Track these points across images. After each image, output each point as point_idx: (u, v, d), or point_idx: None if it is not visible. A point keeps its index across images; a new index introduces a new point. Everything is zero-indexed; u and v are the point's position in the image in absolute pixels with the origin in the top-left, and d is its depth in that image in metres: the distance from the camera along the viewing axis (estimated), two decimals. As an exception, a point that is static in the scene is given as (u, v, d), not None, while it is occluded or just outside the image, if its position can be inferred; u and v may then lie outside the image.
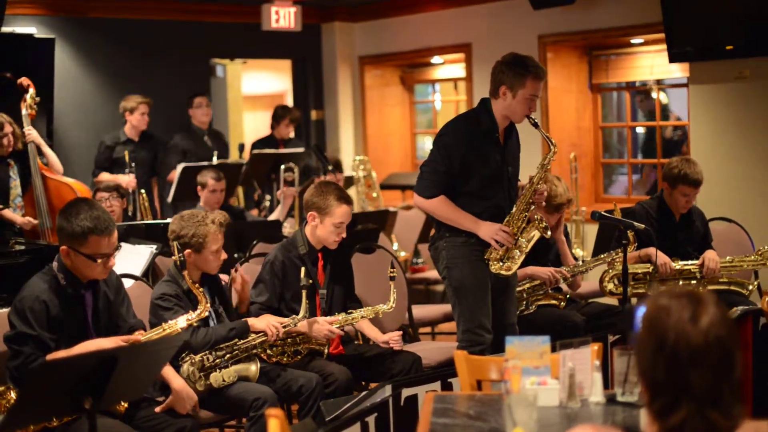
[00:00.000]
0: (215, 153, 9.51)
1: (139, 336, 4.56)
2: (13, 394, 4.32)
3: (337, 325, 5.45)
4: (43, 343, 4.29)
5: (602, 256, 6.31)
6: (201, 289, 4.88)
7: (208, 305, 4.84)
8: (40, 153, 7.32)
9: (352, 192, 10.75)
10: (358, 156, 10.78)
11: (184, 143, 9.65)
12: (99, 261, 4.38)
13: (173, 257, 5.00)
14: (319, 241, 5.62)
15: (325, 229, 5.55)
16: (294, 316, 5.22)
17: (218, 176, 8.06)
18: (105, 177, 8.81)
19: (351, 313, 5.57)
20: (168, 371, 4.69)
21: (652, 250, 6.20)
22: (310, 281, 5.23)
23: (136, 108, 9.12)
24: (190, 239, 5.05)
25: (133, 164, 8.67)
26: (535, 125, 5.49)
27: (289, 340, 5.44)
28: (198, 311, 4.79)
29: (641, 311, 2.38)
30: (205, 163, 9.03)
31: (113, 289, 4.65)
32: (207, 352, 4.91)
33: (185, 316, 4.77)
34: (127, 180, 8.50)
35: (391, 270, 5.61)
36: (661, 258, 6.28)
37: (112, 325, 4.59)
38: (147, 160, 9.28)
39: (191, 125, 9.85)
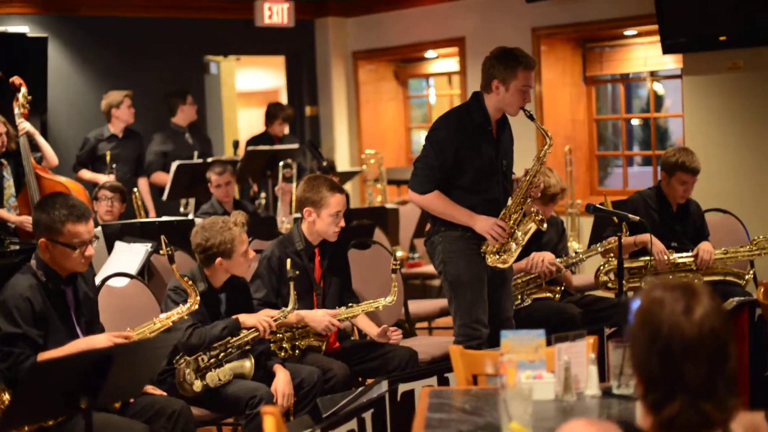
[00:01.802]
0: (195, 153, 9.47)
1: (130, 332, 4.56)
2: (6, 395, 4.31)
3: (339, 318, 5.45)
4: (32, 340, 4.31)
5: (595, 245, 6.30)
6: (190, 283, 4.87)
7: (198, 298, 4.82)
8: (34, 149, 7.29)
9: (355, 185, 10.75)
10: (369, 150, 10.78)
11: (164, 146, 9.61)
12: (77, 249, 4.41)
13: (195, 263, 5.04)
14: (317, 236, 5.62)
15: (323, 221, 5.55)
16: (283, 308, 5.21)
17: (221, 170, 8.07)
18: (85, 175, 8.74)
19: (352, 306, 5.57)
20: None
21: (647, 237, 6.19)
22: (297, 272, 5.23)
23: (122, 101, 9.01)
24: (219, 247, 5.05)
25: (114, 165, 8.60)
26: (531, 117, 5.49)
27: (287, 335, 5.44)
28: (187, 305, 4.78)
29: (635, 304, 2.37)
30: (199, 161, 9.03)
31: (91, 286, 4.72)
32: (201, 352, 4.91)
33: (176, 309, 4.77)
34: (105, 180, 8.44)
35: (394, 262, 5.60)
36: (657, 245, 6.26)
37: (95, 320, 4.64)
38: (131, 158, 9.16)
39: (170, 124, 9.81)
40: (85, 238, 4.44)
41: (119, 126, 9.06)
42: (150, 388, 4.67)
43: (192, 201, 9.12)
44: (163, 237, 4.95)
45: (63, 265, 4.47)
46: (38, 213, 4.46)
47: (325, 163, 8.45)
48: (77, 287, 4.58)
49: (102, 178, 8.40)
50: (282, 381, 5.03)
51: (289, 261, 5.25)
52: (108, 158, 8.63)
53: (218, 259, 5.06)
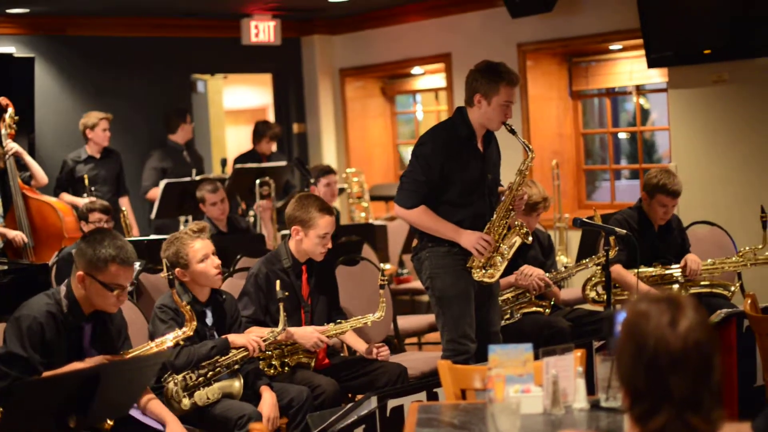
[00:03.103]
0: (194, 170, 9.47)
1: (123, 355, 4.53)
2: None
3: (328, 335, 5.45)
4: (33, 367, 4.23)
5: (584, 261, 6.32)
6: (188, 307, 4.86)
7: (195, 323, 4.82)
8: (22, 168, 7.28)
9: (342, 202, 10.76)
10: (349, 169, 10.78)
11: (164, 163, 9.62)
12: (115, 292, 4.34)
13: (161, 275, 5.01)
14: (304, 254, 5.62)
15: (310, 241, 5.55)
16: (273, 329, 5.21)
17: (214, 188, 8.00)
18: (66, 198, 8.66)
19: (340, 322, 5.57)
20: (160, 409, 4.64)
21: (628, 278, 6.24)
22: (287, 293, 5.21)
23: (97, 124, 8.96)
24: (173, 259, 5.06)
25: (92, 188, 8.57)
26: (512, 132, 5.50)
27: (276, 351, 5.44)
28: (184, 329, 4.77)
29: (622, 317, 2.38)
30: (187, 179, 9.02)
31: (116, 327, 4.61)
32: (189, 370, 4.90)
33: (172, 334, 4.76)
34: (85, 202, 8.45)
35: (382, 278, 5.60)
36: (631, 283, 6.28)
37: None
38: (110, 178, 9.14)
39: (168, 142, 9.82)
40: (125, 284, 4.38)
41: (95, 147, 9.03)
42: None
43: (190, 219, 9.10)
44: (165, 260, 4.96)
45: (94, 302, 4.39)
46: (84, 246, 4.34)
47: (312, 180, 8.45)
48: (99, 325, 4.50)
49: (81, 202, 8.35)
50: (268, 404, 5.01)
51: (278, 282, 5.23)
52: (86, 181, 8.59)
53: (177, 270, 5.04)
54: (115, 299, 4.37)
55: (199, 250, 5.09)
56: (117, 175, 9.22)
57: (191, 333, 4.79)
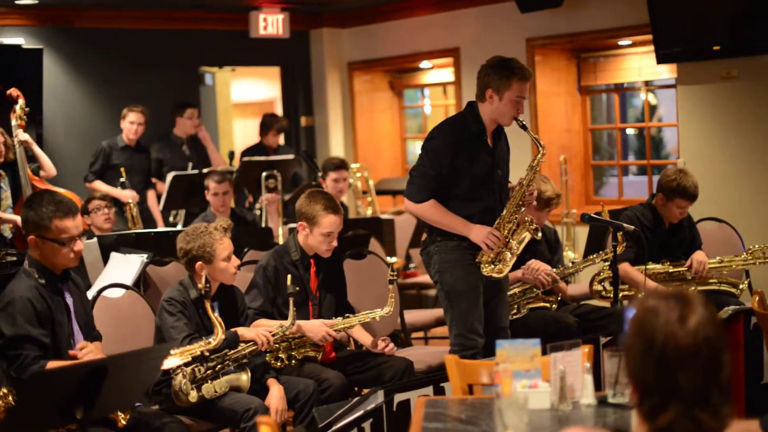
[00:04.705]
0: (190, 164, 9.51)
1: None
2: (11, 398, 4.27)
3: (336, 329, 5.46)
4: (38, 341, 4.34)
5: (591, 257, 6.30)
6: (219, 320, 4.88)
7: (222, 336, 4.84)
8: (31, 159, 7.29)
9: (350, 197, 10.75)
10: (355, 164, 10.77)
11: (161, 153, 9.67)
12: (66, 245, 4.45)
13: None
14: (311, 248, 5.63)
15: (314, 238, 5.57)
16: (282, 322, 5.22)
17: (220, 178, 8.05)
18: (100, 187, 8.77)
19: (349, 317, 5.58)
20: None
21: (635, 276, 6.23)
22: (297, 288, 5.22)
23: (126, 116, 9.15)
24: (198, 251, 5.07)
25: (126, 181, 8.68)
26: (524, 127, 5.50)
27: (284, 344, 5.44)
28: (209, 339, 4.84)
29: (630, 313, 2.38)
30: (195, 171, 9.04)
31: (83, 291, 4.77)
32: (198, 363, 4.91)
33: (200, 343, 4.81)
34: (131, 194, 8.59)
35: (391, 273, 5.60)
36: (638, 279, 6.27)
37: (91, 323, 4.67)
38: (142, 169, 9.31)
39: (170, 134, 9.86)
40: (73, 233, 4.48)
41: (129, 138, 9.17)
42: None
43: (182, 212, 9.14)
44: (204, 273, 4.97)
45: (53, 262, 4.50)
46: (26, 211, 4.50)
47: (320, 174, 8.43)
48: (71, 286, 4.63)
49: (116, 192, 8.49)
50: (275, 396, 5.03)
51: (289, 277, 5.24)
52: (123, 174, 8.72)
53: (198, 264, 5.07)
54: (70, 251, 4.48)
55: (226, 248, 5.14)
56: (147, 168, 9.38)
57: (217, 345, 4.82)
